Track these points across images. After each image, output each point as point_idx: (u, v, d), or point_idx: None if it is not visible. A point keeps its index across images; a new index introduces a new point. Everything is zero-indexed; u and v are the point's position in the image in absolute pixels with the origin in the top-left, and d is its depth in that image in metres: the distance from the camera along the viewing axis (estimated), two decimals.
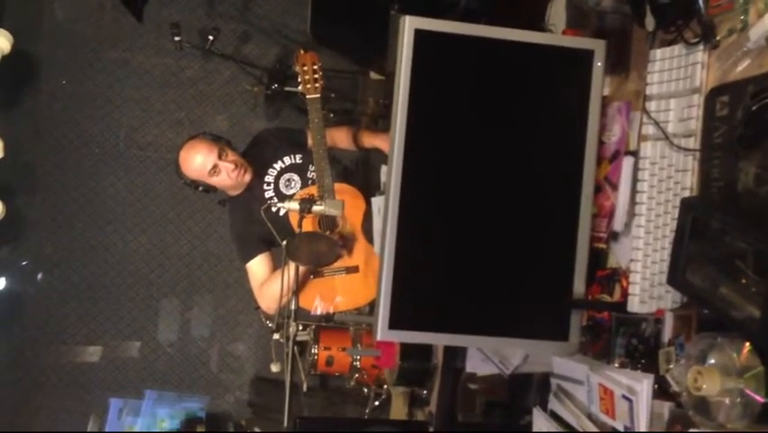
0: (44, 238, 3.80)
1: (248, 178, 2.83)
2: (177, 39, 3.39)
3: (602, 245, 1.68)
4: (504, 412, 1.94)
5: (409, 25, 1.52)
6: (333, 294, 2.85)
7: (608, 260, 1.70)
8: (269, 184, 2.92)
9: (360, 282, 2.83)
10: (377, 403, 2.74)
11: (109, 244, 3.85)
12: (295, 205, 2.44)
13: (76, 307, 3.81)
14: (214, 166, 2.76)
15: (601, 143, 1.67)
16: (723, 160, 1.42)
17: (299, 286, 2.57)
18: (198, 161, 2.76)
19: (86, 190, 3.84)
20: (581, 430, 1.63)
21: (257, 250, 2.88)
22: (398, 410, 2.55)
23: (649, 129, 1.58)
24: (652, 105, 1.57)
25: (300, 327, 2.51)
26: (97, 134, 3.85)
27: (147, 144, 3.89)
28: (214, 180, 2.80)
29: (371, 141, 2.99)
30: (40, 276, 3.83)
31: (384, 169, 2.67)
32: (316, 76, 2.74)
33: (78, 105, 3.82)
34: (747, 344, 1.24)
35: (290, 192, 2.90)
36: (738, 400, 1.23)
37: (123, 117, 3.88)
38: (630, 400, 1.44)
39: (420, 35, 1.53)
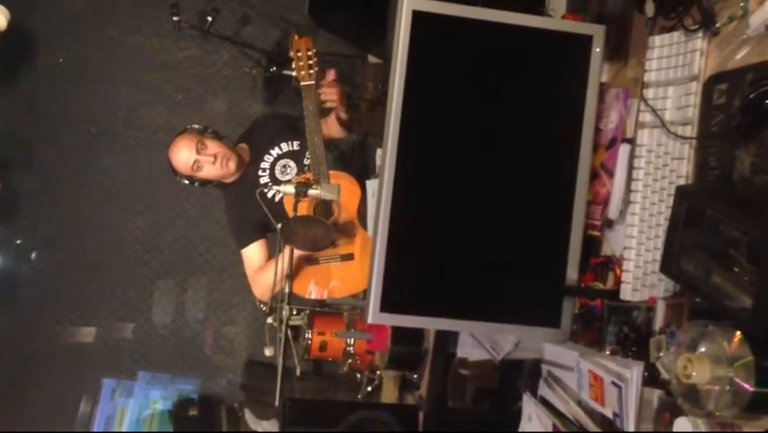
0: (39, 217, 3.79)
1: (233, 166, 2.81)
2: (175, 19, 3.37)
3: (596, 233, 1.67)
4: (494, 398, 1.94)
5: (407, 6, 1.51)
6: (328, 281, 2.85)
7: (602, 247, 1.69)
8: (264, 170, 2.91)
9: (355, 270, 2.82)
10: (369, 389, 2.74)
11: (104, 225, 3.85)
12: (290, 188, 2.44)
13: (70, 287, 3.81)
14: (195, 161, 2.76)
15: (598, 130, 1.67)
16: (719, 148, 1.41)
17: (294, 273, 2.57)
18: (181, 159, 2.78)
19: (81, 169, 3.82)
20: (570, 416, 1.63)
21: (253, 236, 2.88)
22: (389, 394, 2.56)
23: (646, 116, 1.57)
24: (650, 93, 1.56)
25: (294, 312, 2.51)
26: (94, 114, 3.83)
27: (144, 125, 3.88)
28: (201, 175, 2.80)
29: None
30: (34, 255, 3.83)
31: (379, 152, 2.66)
32: (311, 62, 2.72)
33: (75, 84, 3.80)
34: (738, 333, 1.23)
35: (285, 179, 2.89)
36: (728, 388, 1.23)
37: (120, 97, 3.86)
38: (619, 388, 1.43)
39: (418, 16, 1.52)
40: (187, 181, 2.84)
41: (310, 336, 2.75)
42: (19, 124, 3.64)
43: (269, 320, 2.52)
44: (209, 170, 2.79)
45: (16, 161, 3.69)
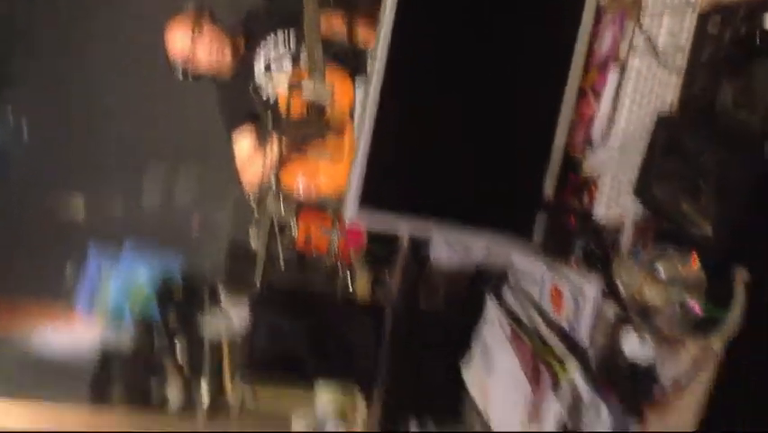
0: (31, 93, 3.76)
1: (228, 53, 2.79)
2: None
3: (578, 153, 1.70)
4: (463, 301, 2.01)
5: None
6: (317, 176, 2.88)
7: (582, 167, 1.73)
8: (258, 63, 2.89)
9: (343, 168, 2.85)
10: (349, 285, 2.82)
11: (98, 104, 3.82)
12: (283, 85, 2.44)
13: (60, 163, 3.82)
14: (191, 46, 2.73)
15: (592, 51, 1.67)
16: (706, 79, 1.43)
17: (283, 164, 2.60)
18: (176, 43, 2.74)
19: (77, 46, 3.76)
20: (529, 324, 1.71)
21: (242, 122, 2.89)
22: (362, 290, 2.64)
23: (640, 41, 1.57)
24: (646, 18, 1.56)
25: (281, 203, 2.56)
26: None
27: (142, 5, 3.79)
28: (197, 59, 2.77)
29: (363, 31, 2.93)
30: (25, 132, 3.83)
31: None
32: None
33: None
34: (695, 257, 1.29)
35: (280, 74, 2.87)
36: (678, 309, 1.30)
37: None
38: (577, 301, 1.50)
39: None
40: (181, 76, 2.82)
41: (296, 228, 2.81)
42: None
43: (256, 210, 2.57)
44: (205, 57, 2.76)
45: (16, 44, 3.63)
